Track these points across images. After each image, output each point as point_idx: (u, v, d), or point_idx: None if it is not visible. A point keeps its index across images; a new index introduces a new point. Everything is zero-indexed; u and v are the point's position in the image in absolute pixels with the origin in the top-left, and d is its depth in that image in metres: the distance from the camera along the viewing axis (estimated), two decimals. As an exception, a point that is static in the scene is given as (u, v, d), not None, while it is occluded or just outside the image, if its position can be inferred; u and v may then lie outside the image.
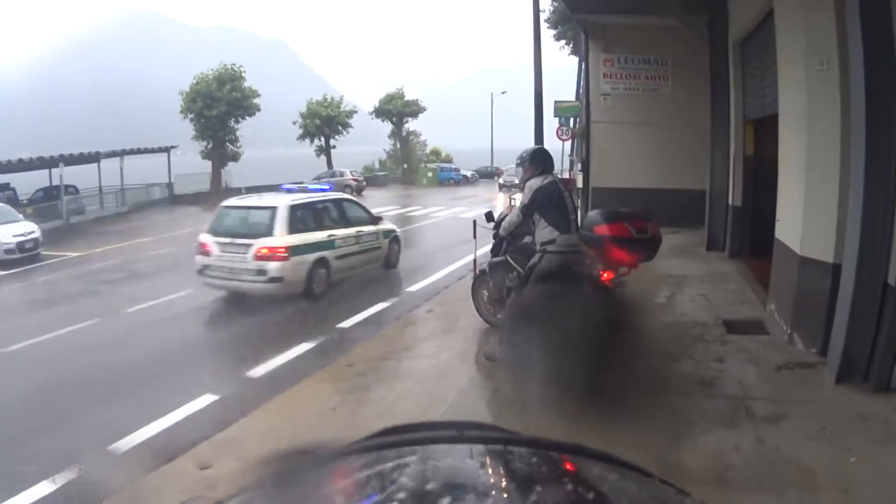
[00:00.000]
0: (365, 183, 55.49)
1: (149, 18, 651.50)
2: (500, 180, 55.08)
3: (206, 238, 15.70)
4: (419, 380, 9.00)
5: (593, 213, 8.88)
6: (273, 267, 14.33)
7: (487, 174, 71.22)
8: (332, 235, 15.65)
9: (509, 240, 9.65)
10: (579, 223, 8.97)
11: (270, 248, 14.37)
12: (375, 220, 17.64)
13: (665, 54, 19.52)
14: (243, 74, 50.84)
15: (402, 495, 1.39)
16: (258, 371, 10.29)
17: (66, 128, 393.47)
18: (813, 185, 8.61)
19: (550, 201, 8.55)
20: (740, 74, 14.84)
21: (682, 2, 15.93)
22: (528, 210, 8.67)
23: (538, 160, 9.01)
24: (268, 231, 14.69)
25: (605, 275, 8.43)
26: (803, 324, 8.88)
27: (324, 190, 18.73)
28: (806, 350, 8.74)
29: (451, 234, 24.97)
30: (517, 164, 9.49)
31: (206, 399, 9.19)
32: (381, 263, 17.69)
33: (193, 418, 8.68)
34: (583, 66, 23.13)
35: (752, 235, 14.81)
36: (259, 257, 14.37)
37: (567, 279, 8.30)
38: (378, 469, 1.58)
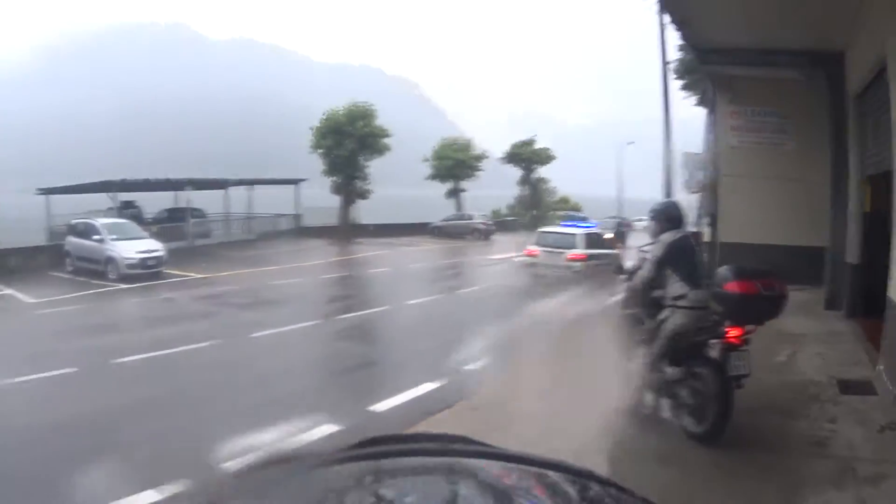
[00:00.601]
0: (494, 227, 55.31)
1: (284, 56, 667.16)
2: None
3: (533, 248, 26.19)
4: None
5: (723, 270, 8.60)
6: (578, 264, 24.45)
7: (615, 225, 70.62)
8: (594, 250, 25.23)
9: (640, 293, 9.50)
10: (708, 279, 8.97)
11: (576, 255, 24.78)
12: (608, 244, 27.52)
13: (788, 108, 19.17)
14: (375, 113, 51.26)
15: None
16: (380, 406, 10.70)
17: (194, 155, 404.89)
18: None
19: (682, 256, 8.66)
20: (857, 129, 14.68)
21: (802, 55, 15.82)
22: (660, 264, 8.70)
23: (670, 214, 9.10)
24: (573, 246, 25.24)
25: (733, 332, 8.25)
26: None
27: (593, 226, 31.49)
28: None
29: (578, 281, 24.56)
30: (650, 218, 9.51)
31: (326, 429, 9.39)
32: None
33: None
34: (711, 118, 22.69)
35: (868, 295, 14.42)
36: (570, 258, 24.67)
37: (695, 336, 8.44)
38: (359, 480, 1.61)
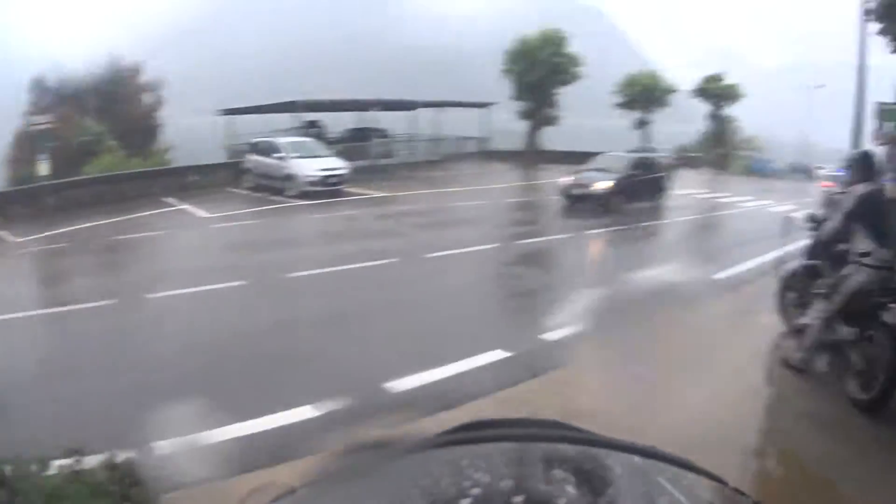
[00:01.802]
0: (678, 162, 54.10)
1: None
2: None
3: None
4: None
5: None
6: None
7: (800, 169, 69.17)
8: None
9: (826, 244, 9.14)
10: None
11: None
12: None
13: None
14: (566, 40, 51.21)
15: (476, 491, 1.43)
16: (550, 336, 10.73)
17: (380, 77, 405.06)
18: None
19: (873, 211, 8.28)
20: None
21: None
22: (850, 217, 8.34)
23: (868, 165, 8.76)
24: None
25: None
26: None
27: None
28: None
29: (758, 226, 24.20)
30: (846, 167, 9.40)
31: (497, 354, 9.89)
32: None
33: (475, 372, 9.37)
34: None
35: None
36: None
37: (876, 297, 8.00)
38: (454, 464, 1.61)
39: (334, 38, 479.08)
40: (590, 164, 30.20)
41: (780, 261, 11.81)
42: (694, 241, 23.98)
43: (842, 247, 8.74)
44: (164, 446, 6.34)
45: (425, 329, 11.65)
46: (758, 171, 61.94)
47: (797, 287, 10.37)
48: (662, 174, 31.36)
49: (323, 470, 1.76)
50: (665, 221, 26.98)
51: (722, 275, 16.00)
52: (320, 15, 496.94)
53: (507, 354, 9.85)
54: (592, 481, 1.55)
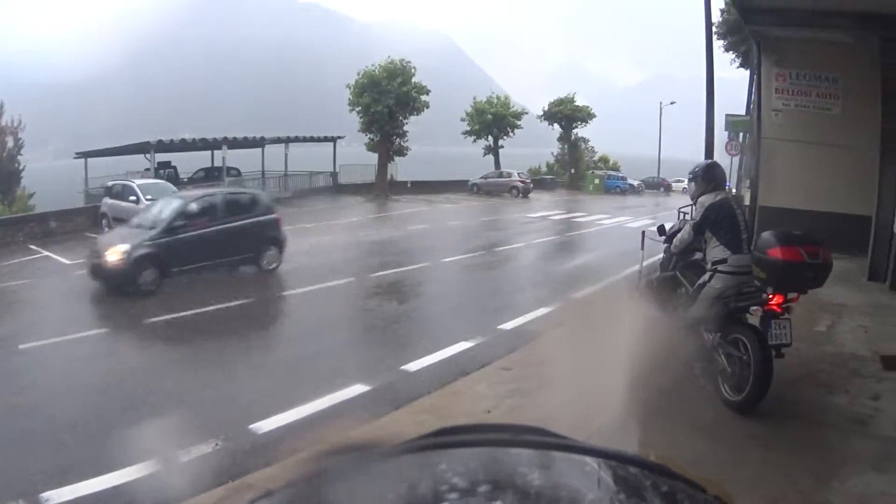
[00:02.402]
0: (532, 185, 55.53)
1: (322, 15, 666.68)
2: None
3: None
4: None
5: (766, 235, 8.17)
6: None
7: (654, 185, 70.49)
8: None
9: (679, 255, 9.46)
10: (752, 243, 8.65)
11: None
12: None
13: (836, 72, 18.62)
14: (413, 70, 50.70)
15: (453, 496, 1.40)
16: (412, 366, 10.56)
17: (233, 114, 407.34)
18: None
19: (723, 219, 8.42)
20: (914, 96, 13.97)
21: (855, 17, 15.25)
22: (699, 227, 8.58)
23: (711, 176, 8.95)
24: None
25: (774, 299, 7.99)
26: None
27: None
28: None
29: (615, 243, 24.85)
30: (689, 179, 9.39)
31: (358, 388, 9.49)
32: None
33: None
34: (754, 80, 22.48)
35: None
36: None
37: (736, 302, 8.24)
38: (432, 469, 1.58)
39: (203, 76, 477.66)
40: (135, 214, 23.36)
41: (640, 274, 12.15)
42: (551, 262, 23.22)
43: (698, 256, 9.05)
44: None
45: (290, 366, 11.16)
46: (612, 188, 63.82)
47: (657, 299, 9.95)
48: (265, 217, 20.26)
49: (299, 473, 1.71)
50: (519, 245, 26.15)
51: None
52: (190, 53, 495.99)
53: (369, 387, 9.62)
54: (570, 487, 1.59)
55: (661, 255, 10.31)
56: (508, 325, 12.85)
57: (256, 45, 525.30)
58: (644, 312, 10.03)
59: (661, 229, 10.40)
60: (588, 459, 1.66)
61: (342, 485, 1.64)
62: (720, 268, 8.30)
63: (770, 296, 8.01)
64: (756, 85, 20.97)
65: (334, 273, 18.68)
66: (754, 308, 8.26)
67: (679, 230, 9.49)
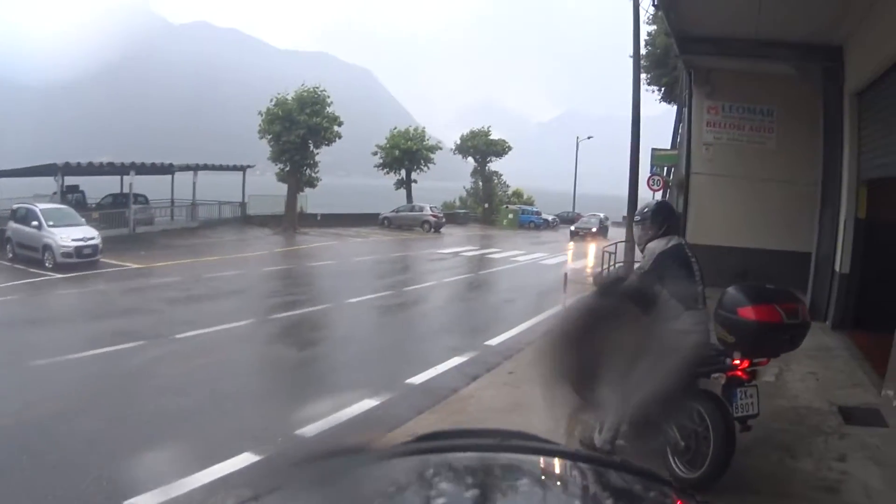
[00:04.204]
0: (444, 220, 55.04)
1: (241, 41, 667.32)
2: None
3: None
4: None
5: (734, 292, 7.10)
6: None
7: (568, 219, 70.76)
8: None
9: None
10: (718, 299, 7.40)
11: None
12: None
13: (772, 104, 18.37)
14: (327, 99, 49.90)
15: (441, 501, 1.48)
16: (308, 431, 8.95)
17: (143, 138, 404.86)
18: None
19: (676, 269, 7.13)
20: (857, 129, 13.72)
21: (796, 47, 14.96)
22: (648, 279, 7.20)
23: (663, 218, 7.56)
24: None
25: (741, 364, 6.94)
26: None
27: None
28: None
29: (534, 281, 24.28)
30: (636, 221, 7.87)
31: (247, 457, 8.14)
32: None
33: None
34: (683, 113, 22.10)
35: (858, 306, 13.66)
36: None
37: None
38: (419, 473, 1.67)
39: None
40: None
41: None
42: (463, 304, 21.99)
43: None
44: None
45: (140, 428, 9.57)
46: (526, 223, 63.82)
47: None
48: None
49: (287, 476, 1.82)
50: (434, 282, 24.87)
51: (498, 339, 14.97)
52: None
53: (258, 458, 8.17)
54: (554, 490, 1.73)
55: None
56: (417, 379, 11.60)
57: (174, 68, 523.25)
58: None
59: (596, 277, 9.21)
60: (571, 463, 1.83)
61: (330, 488, 1.68)
62: (672, 326, 6.98)
63: (735, 360, 6.97)
64: (686, 118, 20.55)
65: (233, 313, 17.64)
66: (715, 375, 7.16)
67: (617, 279, 8.57)
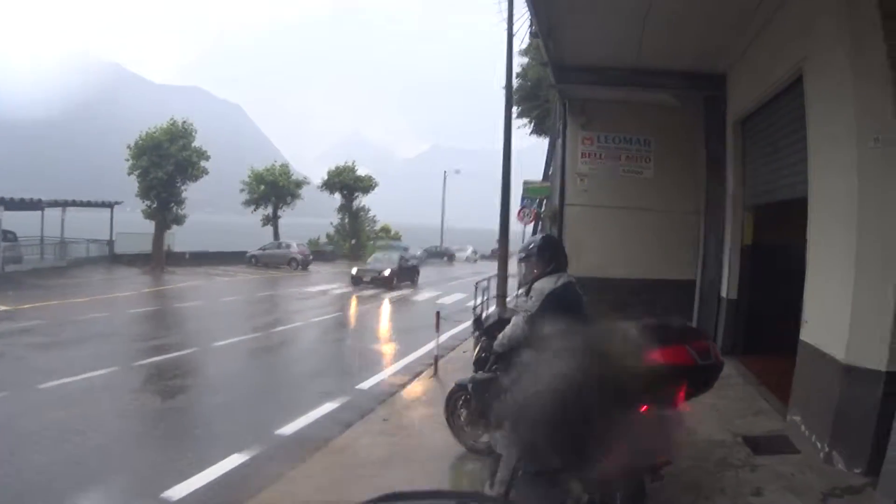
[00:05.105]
0: (311, 257, 54.71)
1: (113, 72, 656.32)
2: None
3: None
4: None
5: (636, 333, 5.86)
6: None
7: (437, 254, 70.98)
8: None
9: (505, 356, 7.37)
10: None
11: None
12: None
13: (648, 134, 18.27)
14: (194, 133, 49.11)
15: None
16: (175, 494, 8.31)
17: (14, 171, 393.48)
18: (865, 283, 7.40)
19: (566, 311, 6.53)
20: (741, 157, 13.89)
21: (680, 76, 15.14)
22: (536, 321, 6.66)
23: (550, 254, 7.12)
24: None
25: (644, 408, 5.79)
26: (844, 440, 7.71)
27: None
28: (848, 470, 7.57)
29: (404, 319, 24.52)
30: (521, 258, 7.33)
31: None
32: None
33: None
34: (557, 144, 21.78)
35: (746, 332, 13.77)
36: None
37: None
38: None
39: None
40: None
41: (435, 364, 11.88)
42: (338, 344, 21.59)
43: (525, 354, 6.52)
44: None
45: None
46: None
47: (472, 405, 8.69)
48: None
49: None
50: (302, 323, 24.63)
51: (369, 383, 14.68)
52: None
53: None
54: None
55: (470, 336, 8.70)
56: (288, 429, 10.94)
57: (48, 103, 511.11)
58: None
59: (477, 322, 8.79)
60: None
61: None
62: None
63: (642, 406, 5.86)
64: (562, 149, 20.15)
65: (100, 359, 16.61)
66: None
67: (500, 320, 8.11)
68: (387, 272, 39.62)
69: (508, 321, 7.54)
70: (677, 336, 6.43)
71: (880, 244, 7.18)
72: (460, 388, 8.83)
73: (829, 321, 8.08)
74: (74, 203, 47.55)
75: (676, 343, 6.20)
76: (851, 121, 7.52)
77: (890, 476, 6.53)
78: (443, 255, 72.12)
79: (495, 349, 7.45)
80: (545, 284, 6.78)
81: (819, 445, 8.03)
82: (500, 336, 7.25)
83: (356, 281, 38.98)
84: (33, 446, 10.10)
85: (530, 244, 7.30)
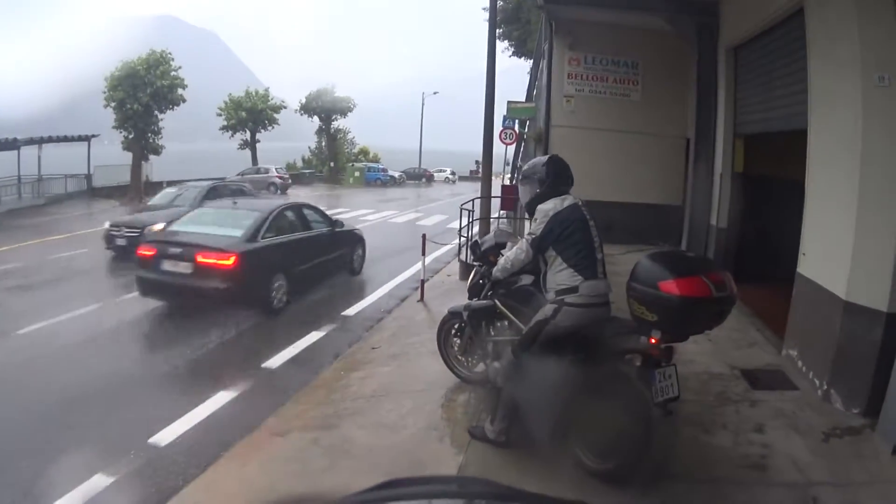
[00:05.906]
0: (290, 181, 54.44)
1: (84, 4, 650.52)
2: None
3: None
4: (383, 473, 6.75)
5: (648, 263, 6.08)
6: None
7: (415, 175, 70.83)
8: None
9: (507, 282, 7.20)
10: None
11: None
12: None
13: (636, 57, 18.28)
14: (171, 62, 48.36)
15: None
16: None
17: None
18: (868, 219, 7.22)
19: (572, 234, 6.19)
20: (733, 84, 13.61)
21: (671, 0, 14.86)
22: (541, 245, 6.29)
23: (555, 174, 6.57)
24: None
25: (654, 341, 5.91)
26: (843, 379, 7.52)
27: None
28: (846, 410, 7.41)
29: (386, 241, 23.74)
30: (523, 178, 6.89)
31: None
32: None
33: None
34: (542, 65, 21.67)
35: (737, 261, 13.47)
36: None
37: (592, 344, 6.08)
38: None
39: None
40: None
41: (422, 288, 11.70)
42: None
43: (524, 280, 6.98)
44: None
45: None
46: (373, 180, 64.32)
47: (465, 334, 8.44)
48: None
49: None
50: None
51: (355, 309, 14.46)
52: None
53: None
54: None
55: (454, 258, 8.47)
56: (274, 363, 10.53)
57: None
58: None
59: (474, 246, 8.13)
60: None
61: None
62: (568, 299, 6.13)
63: (652, 339, 5.94)
64: (547, 70, 19.99)
65: (78, 299, 15.80)
66: (629, 356, 6.16)
67: (496, 245, 7.72)
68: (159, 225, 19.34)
69: (504, 245, 7.55)
70: (693, 266, 6.11)
71: (887, 182, 7.02)
72: (453, 315, 8.51)
73: (829, 256, 7.90)
74: (50, 139, 46.73)
75: (692, 274, 5.86)
76: (856, 55, 7.27)
77: (889, 420, 6.55)
78: (421, 177, 72.14)
79: (495, 275, 7.11)
80: (550, 206, 6.35)
81: (817, 383, 7.93)
82: (503, 260, 6.91)
83: (109, 242, 21.91)
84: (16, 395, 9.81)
85: (535, 163, 6.83)
